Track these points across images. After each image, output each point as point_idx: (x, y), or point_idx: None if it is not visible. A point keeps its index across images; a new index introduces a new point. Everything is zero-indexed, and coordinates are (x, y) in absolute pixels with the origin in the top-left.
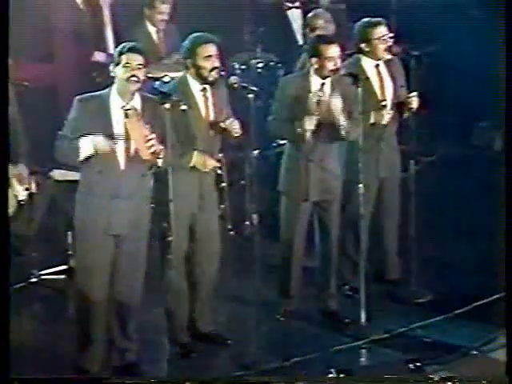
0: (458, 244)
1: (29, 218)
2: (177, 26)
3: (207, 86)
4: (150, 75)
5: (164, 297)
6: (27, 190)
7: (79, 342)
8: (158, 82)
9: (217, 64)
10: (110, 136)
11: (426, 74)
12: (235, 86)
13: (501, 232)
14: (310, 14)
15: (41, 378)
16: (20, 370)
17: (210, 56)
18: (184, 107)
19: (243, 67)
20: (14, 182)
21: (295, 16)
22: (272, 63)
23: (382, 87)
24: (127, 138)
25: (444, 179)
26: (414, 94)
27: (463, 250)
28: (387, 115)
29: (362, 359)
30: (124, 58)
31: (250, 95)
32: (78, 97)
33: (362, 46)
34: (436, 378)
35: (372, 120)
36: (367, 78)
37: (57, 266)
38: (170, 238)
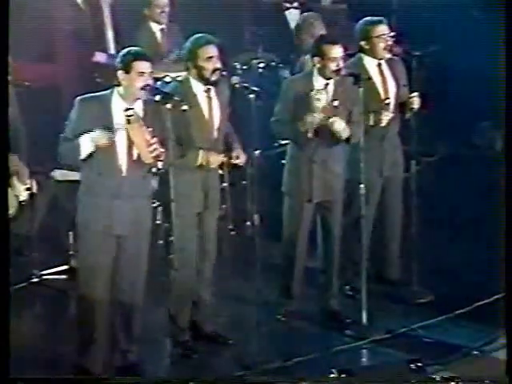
0: (459, 244)
1: (30, 218)
2: (180, 26)
3: (211, 87)
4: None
5: (165, 297)
6: (28, 189)
7: (81, 342)
8: (159, 82)
9: (218, 65)
10: (109, 129)
11: (427, 75)
12: (237, 86)
13: (501, 232)
14: (300, 17)
15: (41, 377)
16: (20, 369)
17: (211, 57)
18: (185, 107)
19: (244, 67)
20: (16, 181)
21: (293, 16)
22: (273, 63)
23: (384, 87)
24: (129, 145)
25: (445, 179)
26: (416, 94)
27: (464, 249)
28: (389, 115)
29: (363, 359)
30: (136, 66)
31: (252, 95)
32: (78, 97)
33: (362, 43)
34: (437, 378)
35: (371, 122)
36: (369, 78)
37: (58, 266)
38: (171, 238)
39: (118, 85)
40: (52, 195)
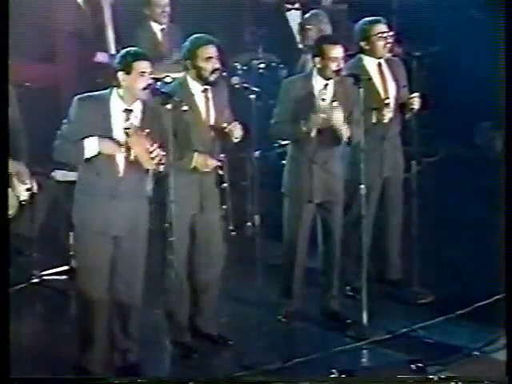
0: (460, 244)
1: (30, 219)
2: (180, 26)
3: (208, 87)
4: (151, 76)
5: (165, 297)
6: (29, 190)
7: (80, 343)
8: (159, 83)
9: (217, 65)
10: (117, 142)
11: (427, 75)
12: (237, 86)
13: (501, 232)
14: (306, 15)
15: (41, 377)
16: (20, 370)
17: (210, 57)
18: (185, 108)
19: (245, 68)
20: (16, 182)
21: (294, 17)
22: (273, 64)
23: (384, 86)
24: (129, 154)
25: (445, 179)
26: (416, 94)
27: (464, 250)
28: (389, 114)
29: (364, 360)
30: (137, 66)
31: (252, 96)
32: (77, 96)
33: (362, 44)
34: (437, 379)
35: (374, 119)
36: (369, 79)
37: (58, 266)
38: (171, 239)
39: (117, 86)
40: (52, 196)
